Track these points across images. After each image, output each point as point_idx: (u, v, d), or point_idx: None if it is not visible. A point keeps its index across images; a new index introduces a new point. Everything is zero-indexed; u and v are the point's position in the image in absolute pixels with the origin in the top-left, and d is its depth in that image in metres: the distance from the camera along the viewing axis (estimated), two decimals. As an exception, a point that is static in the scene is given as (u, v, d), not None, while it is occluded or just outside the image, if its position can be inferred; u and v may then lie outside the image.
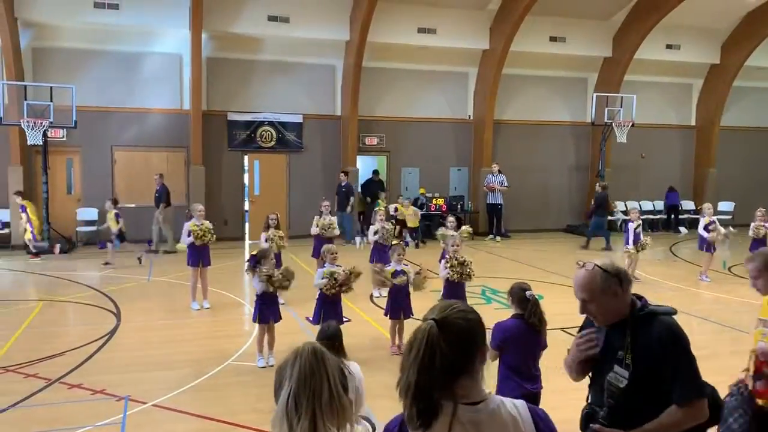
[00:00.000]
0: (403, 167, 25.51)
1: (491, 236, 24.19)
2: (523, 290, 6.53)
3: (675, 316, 4.09)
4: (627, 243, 16.74)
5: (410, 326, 9.65)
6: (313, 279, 10.09)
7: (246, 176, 23.82)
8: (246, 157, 23.84)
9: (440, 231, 14.13)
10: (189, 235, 13.24)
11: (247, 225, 23.63)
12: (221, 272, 16.81)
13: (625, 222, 17.65)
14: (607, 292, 4.03)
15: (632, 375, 3.94)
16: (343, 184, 22.70)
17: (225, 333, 11.81)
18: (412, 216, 22.51)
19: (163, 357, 10.46)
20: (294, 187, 24.24)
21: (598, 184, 23.77)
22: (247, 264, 9.86)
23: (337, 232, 14.75)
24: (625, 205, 27.39)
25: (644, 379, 3.92)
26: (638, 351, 3.97)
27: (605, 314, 4.08)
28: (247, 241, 22.65)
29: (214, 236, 13.41)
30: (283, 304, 11.94)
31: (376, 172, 24.56)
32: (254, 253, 9.81)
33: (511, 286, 6.66)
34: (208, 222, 13.42)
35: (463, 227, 14.43)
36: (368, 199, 23.95)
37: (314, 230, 14.72)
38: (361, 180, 24.87)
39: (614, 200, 26.31)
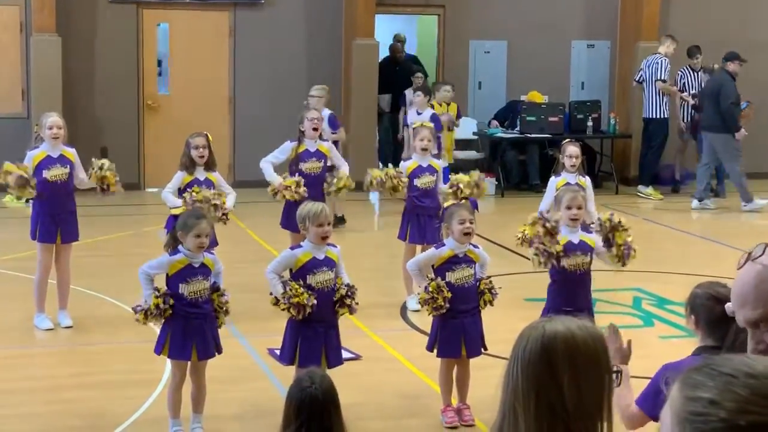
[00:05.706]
0: (473, 40, 19.15)
1: (646, 188, 17.52)
2: (718, 300, 4.85)
3: None
4: None
5: (481, 369, 7.29)
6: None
7: (140, 54, 17.88)
8: (142, 15, 17.95)
9: (553, 180, 10.24)
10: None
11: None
12: (97, 254, 12.98)
13: None
14: None
15: None
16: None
17: (104, 378, 8.96)
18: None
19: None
20: (243, 79, 18.11)
21: None
22: (163, 233, 7.89)
23: (342, 184, 10.74)
24: None
25: None
26: None
27: None
28: (148, 189, 17.13)
29: (115, 179, 9.70)
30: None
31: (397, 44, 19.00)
32: (176, 212, 8.12)
33: (694, 291, 4.98)
34: (70, 150, 9.71)
35: (580, 179, 10.15)
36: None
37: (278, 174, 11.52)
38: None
39: None
